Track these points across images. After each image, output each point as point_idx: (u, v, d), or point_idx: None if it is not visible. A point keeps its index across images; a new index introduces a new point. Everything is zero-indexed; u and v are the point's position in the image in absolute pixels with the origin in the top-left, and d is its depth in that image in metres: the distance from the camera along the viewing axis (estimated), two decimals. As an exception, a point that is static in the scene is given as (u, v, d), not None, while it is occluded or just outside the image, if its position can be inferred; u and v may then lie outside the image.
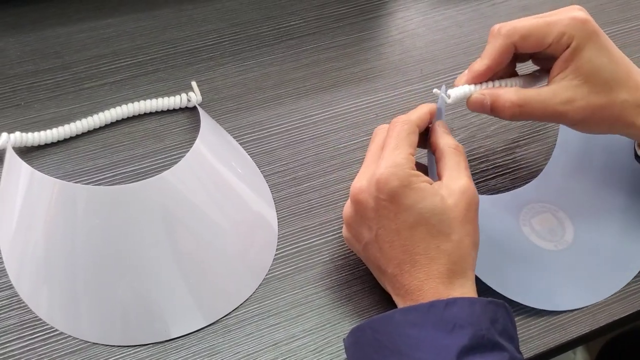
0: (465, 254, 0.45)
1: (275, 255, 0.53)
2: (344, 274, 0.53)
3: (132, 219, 0.49)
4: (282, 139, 0.60)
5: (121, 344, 0.48)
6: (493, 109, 0.50)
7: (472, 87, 0.51)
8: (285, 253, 0.54)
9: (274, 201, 0.56)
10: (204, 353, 0.48)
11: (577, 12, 0.49)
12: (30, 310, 0.49)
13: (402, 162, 0.46)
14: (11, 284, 0.50)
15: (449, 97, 0.50)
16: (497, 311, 0.44)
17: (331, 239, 0.54)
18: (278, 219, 0.55)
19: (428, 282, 0.45)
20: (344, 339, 0.47)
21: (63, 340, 0.48)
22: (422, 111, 0.50)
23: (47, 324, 0.48)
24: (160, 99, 0.59)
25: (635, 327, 0.87)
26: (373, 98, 0.64)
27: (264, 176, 0.57)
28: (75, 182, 0.54)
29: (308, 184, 0.58)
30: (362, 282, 0.52)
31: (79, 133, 0.58)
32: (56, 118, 0.59)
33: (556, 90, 0.49)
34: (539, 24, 0.49)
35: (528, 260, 0.54)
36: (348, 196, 0.57)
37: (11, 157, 0.53)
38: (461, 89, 0.51)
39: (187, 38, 0.66)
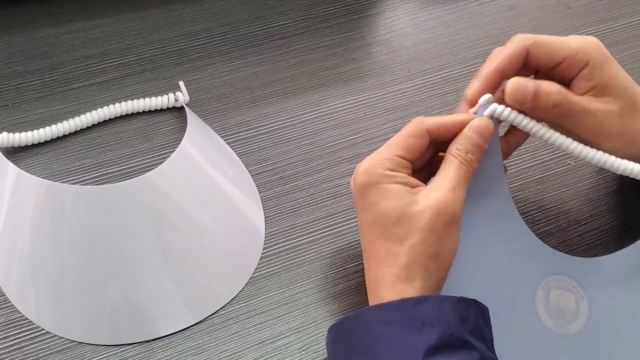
0: (414, 261, 0.43)
1: (262, 254, 0.53)
2: (330, 273, 0.53)
3: (119, 219, 0.49)
4: (270, 139, 0.60)
5: (108, 343, 0.48)
6: (536, 96, 0.46)
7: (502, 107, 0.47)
8: (272, 252, 0.54)
9: (262, 200, 0.56)
10: (190, 352, 0.48)
11: (589, 38, 0.48)
12: (17, 309, 0.49)
13: (382, 161, 0.45)
14: (-2, 284, 0.50)
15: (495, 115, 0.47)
16: (468, 310, 0.43)
17: (318, 237, 0.55)
18: (265, 217, 0.55)
19: (377, 282, 0.44)
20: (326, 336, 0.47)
21: (49, 340, 0.48)
22: (449, 119, 0.47)
23: (34, 324, 0.49)
24: (147, 99, 0.60)
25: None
26: (361, 97, 0.64)
27: (252, 175, 0.57)
28: (62, 182, 0.55)
29: (295, 183, 0.58)
30: (348, 280, 0.53)
31: (66, 133, 0.58)
32: (44, 118, 0.59)
33: (591, 99, 0.47)
34: (555, 38, 0.48)
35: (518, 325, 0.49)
36: (335, 195, 0.57)
37: (-2, 157, 0.53)
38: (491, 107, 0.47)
39: (176, 38, 0.67)
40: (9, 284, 0.50)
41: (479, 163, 0.46)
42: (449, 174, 0.45)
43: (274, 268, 0.53)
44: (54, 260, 0.49)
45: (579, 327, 0.49)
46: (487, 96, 0.47)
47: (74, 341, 0.48)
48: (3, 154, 0.53)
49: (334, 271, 0.53)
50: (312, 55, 0.67)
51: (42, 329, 0.48)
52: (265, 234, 0.54)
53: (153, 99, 0.60)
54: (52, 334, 0.48)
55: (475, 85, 0.48)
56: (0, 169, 0.52)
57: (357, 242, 0.55)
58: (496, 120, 0.47)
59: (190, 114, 0.58)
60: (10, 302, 0.49)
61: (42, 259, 0.49)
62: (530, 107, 0.47)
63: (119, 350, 0.48)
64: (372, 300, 0.44)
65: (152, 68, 0.64)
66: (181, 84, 0.61)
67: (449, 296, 0.43)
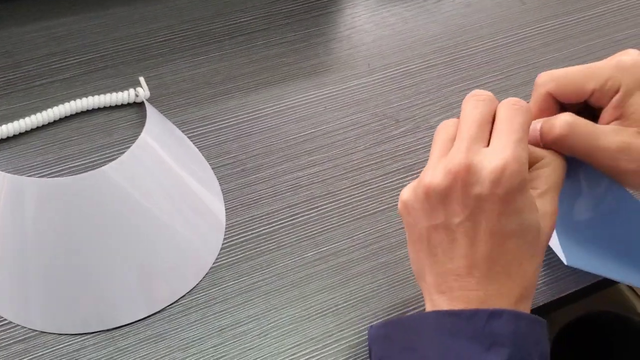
0: (535, 282, 0.41)
1: (223, 244, 0.54)
2: (290, 261, 0.54)
3: (79, 210, 0.50)
4: (232, 132, 0.61)
5: (68, 332, 0.49)
6: (541, 134, 0.43)
7: None
8: (233, 242, 0.55)
9: (223, 192, 0.57)
10: (150, 339, 0.49)
11: (624, 57, 0.44)
12: (-22, 301, 0.50)
13: (525, 161, 0.40)
14: (-41, 277, 0.51)
15: None
16: (542, 331, 0.40)
17: (278, 227, 0.56)
18: (226, 209, 0.56)
19: (496, 298, 0.40)
20: (370, 326, 0.45)
21: (11, 329, 0.49)
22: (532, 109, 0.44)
23: (-5, 315, 0.49)
24: (108, 95, 0.60)
25: (590, 313, 0.89)
26: (322, 92, 0.66)
27: (213, 168, 0.58)
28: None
29: (256, 175, 0.59)
30: (307, 268, 0.54)
31: (28, 129, 0.58)
32: (7, 115, 0.60)
33: (609, 130, 0.43)
34: (579, 70, 0.44)
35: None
36: (295, 186, 0.58)
37: (-41, 152, 0.53)
38: None
39: (138, 35, 0.67)
40: (-29, 276, 0.50)
41: None
42: (554, 180, 0.42)
43: (235, 258, 0.54)
44: (15, 250, 0.49)
45: None
46: None
47: (36, 330, 0.49)
48: (-36, 149, 0.54)
49: (293, 260, 0.54)
50: (273, 51, 0.68)
51: (4, 319, 0.49)
52: (226, 224, 0.56)
53: (114, 94, 0.60)
54: (14, 323, 0.49)
55: None
56: (-39, 163, 0.52)
57: (316, 232, 0.56)
58: None
59: (150, 109, 0.59)
60: (-29, 294, 0.50)
61: (3, 250, 0.50)
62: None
63: (79, 339, 0.49)
64: (457, 305, 0.40)
65: (114, 65, 0.65)
66: (141, 79, 0.62)
67: (526, 313, 0.40)
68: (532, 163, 0.42)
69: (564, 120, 0.42)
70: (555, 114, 0.44)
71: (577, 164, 0.44)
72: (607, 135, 0.43)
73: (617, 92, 0.43)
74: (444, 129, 0.43)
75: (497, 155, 0.39)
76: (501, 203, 0.39)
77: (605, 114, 0.44)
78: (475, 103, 0.42)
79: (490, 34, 0.72)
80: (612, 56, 0.45)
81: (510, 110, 0.41)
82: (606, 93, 0.44)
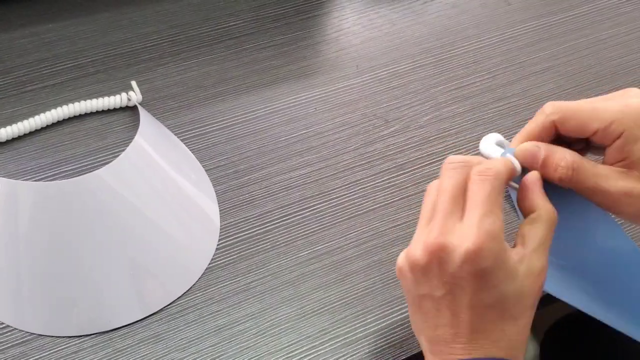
0: (524, 341, 0.42)
1: (218, 245, 0.55)
2: (284, 261, 0.54)
3: (74, 213, 0.50)
4: (224, 135, 0.62)
5: (66, 335, 0.49)
6: (544, 164, 0.44)
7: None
8: (228, 243, 0.55)
9: (216, 194, 0.58)
10: (148, 340, 0.49)
11: (632, 99, 0.44)
12: (-25, 306, 0.50)
13: (498, 233, 0.40)
14: (-45, 282, 0.51)
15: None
16: None
17: (272, 228, 0.56)
18: (220, 210, 0.57)
19: None
20: None
21: (9, 333, 0.49)
22: (508, 165, 0.44)
23: (-8, 319, 0.49)
24: (100, 99, 0.61)
25: (578, 310, 0.90)
26: (311, 93, 0.66)
27: (206, 170, 0.59)
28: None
29: (249, 177, 0.59)
30: (302, 267, 0.54)
31: (21, 134, 0.59)
32: (-2, 121, 0.60)
33: (613, 174, 0.44)
34: (586, 108, 0.45)
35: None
36: (288, 187, 0.59)
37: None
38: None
39: (127, 40, 0.68)
40: (-33, 281, 0.51)
41: None
42: (540, 236, 0.42)
43: (230, 258, 0.54)
44: (11, 254, 0.49)
45: None
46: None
47: (33, 333, 0.49)
48: (-43, 154, 0.54)
49: (288, 259, 0.55)
50: (263, 54, 0.69)
51: (1, 322, 0.49)
52: (221, 225, 0.56)
53: (106, 98, 0.61)
54: (11, 327, 0.49)
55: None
56: (-45, 169, 0.52)
57: (310, 231, 0.56)
58: None
59: (143, 112, 0.59)
60: (-32, 299, 0.50)
61: (-1, 256, 0.50)
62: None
63: (77, 342, 0.49)
64: None
65: (105, 69, 0.65)
66: (133, 83, 0.62)
67: None
68: (526, 212, 0.44)
69: (570, 162, 0.44)
70: (552, 140, 0.46)
71: (566, 193, 0.45)
72: (611, 178, 0.44)
73: (619, 136, 0.44)
74: (429, 193, 0.44)
75: (468, 237, 0.40)
76: (476, 281, 0.40)
77: (610, 156, 0.44)
78: (449, 173, 0.43)
79: (477, 35, 0.73)
80: (619, 95, 0.46)
81: (477, 184, 0.42)
82: (609, 135, 0.44)
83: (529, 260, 0.41)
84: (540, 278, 0.42)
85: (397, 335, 0.52)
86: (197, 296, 0.52)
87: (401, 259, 0.44)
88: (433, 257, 0.41)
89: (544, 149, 0.44)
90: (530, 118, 0.47)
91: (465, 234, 0.40)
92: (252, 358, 0.50)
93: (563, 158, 0.44)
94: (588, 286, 0.47)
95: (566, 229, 0.45)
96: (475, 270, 0.40)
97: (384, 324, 0.52)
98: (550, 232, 0.43)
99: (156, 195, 0.54)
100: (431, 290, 0.42)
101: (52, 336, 0.49)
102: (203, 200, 0.57)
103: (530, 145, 0.45)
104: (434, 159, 0.62)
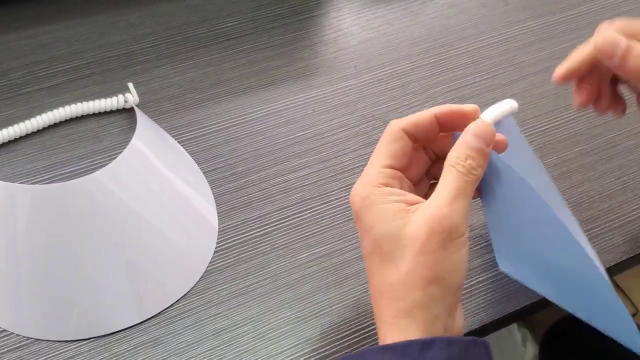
0: (412, 290, 0.39)
1: (216, 247, 0.54)
2: (283, 263, 0.54)
3: (71, 217, 0.50)
4: (221, 136, 0.61)
5: (63, 339, 0.48)
6: (624, 56, 0.44)
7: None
8: (226, 245, 0.55)
9: (214, 196, 0.57)
10: (146, 344, 0.49)
11: None
12: (-29, 310, 0.49)
13: (372, 177, 0.42)
14: (-49, 287, 0.50)
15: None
16: (480, 352, 0.39)
17: (271, 230, 0.56)
18: (218, 213, 0.56)
19: (379, 318, 0.40)
20: None
21: (5, 338, 0.48)
22: (421, 115, 0.44)
23: (-11, 324, 0.49)
24: (97, 101, 0.60)
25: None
26: (310, 94, 0.66)
27: (204, 172, 0.58)
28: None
29: (247, 179, 0.59)
30: (301, 270, 0.54)
31: (17, 137, 0.58)
32: (-6, 124, 0.60)
33: None
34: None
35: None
36: (286, 189, 0.59)
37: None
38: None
39: (124, 42, 0.67)
40: (-38, 286, 0.50)
41: (484, 169, 0.42)
42: (446, 185, 0.41)
43: (228, 261, 0.54)
44: (8, 258, 0.49)
45: None
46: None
47: (30, 338, 0.48)
48: (-47, 157, 0.53)
49: (286, 262, 0.54)
50: (260, 55, 0.69)
51: (-3, 328, 0.49)
52: (219, 228, 0.55)
53: (102, 100, 0.60)
54: (7, 331, 0.48)
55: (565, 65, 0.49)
56: (-50, 172, 0.52)
57: (309, 233, 0.56)
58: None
59: (140, 114, 0.59)
60: (-36, 303, 0.50)
61: (-5, 260, 0.49)
62: (616, 66, 0.45)
63: (74, 346, 0.48)
64: (380, 338, 0.41)
65: (101, 71, 0.65)
66: (130, 85, 0.61)
67: (459, 337, 0.39)
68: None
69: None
70: (590, 67, 0.47)
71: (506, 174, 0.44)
72: None
73: None
74: None
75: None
76: (357, 225, 0.42)
77: None
78: None
79: (475, 35, 0.73)
80: None
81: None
82: None
83: (424, 207, 0.41)
84: (431, 223, 0.40)
85: (397, 338, 0.51)
86: (196, 299, 0.52)
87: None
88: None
89: (624, 41, 0.44)
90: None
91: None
92: (251, 362, 0.49)
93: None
94: (541, 269, 0.46)
95: (508, 210, 0.44)
96: (354, 213, 0.42)
97: (384, 326, 0.52)
98: (456, 182, 0.41)
99: (154, 198, 0.53)
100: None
101: (49, 340, 0.48)
102: (201, 202, 0.56)
103: (611, 34, 0.45)
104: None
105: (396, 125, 0.44)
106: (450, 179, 0.41)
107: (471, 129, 0.42)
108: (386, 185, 0.42)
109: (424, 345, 0.38)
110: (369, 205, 0.41)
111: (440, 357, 0.37)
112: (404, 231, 0.40)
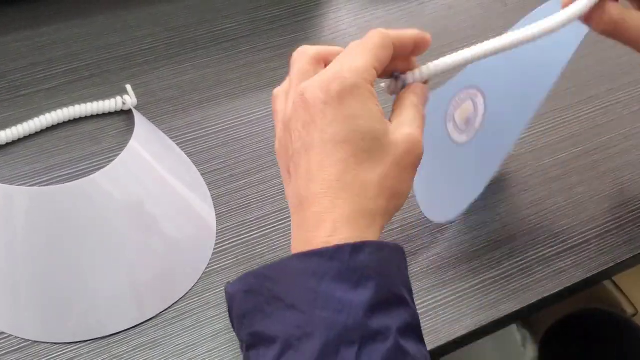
0: (380, 196, 0.39)
1: (215, 249, 0.54)
2: (282, 265, 0.54)
3: (69, 219, 0.50)
4: (219, 138, 0.61)
5: (62, 341, 0.48)
6: (588, 17, 0.46)
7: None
8: (224, 247, 0.55)
9: (212, 198, 0.57)
10: (145, 346, 0.49)
11: None
12: (-31, 313, 0.49)
13: (367, 70, 0.40)
14: (-51, 289, 0.50)
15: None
16: (402, 258, 0.39)
17: (269, 231, 0.56)
18: (217, 214, 0.56)
19: (329, 213, 0.38)
20: (227, 283, 0.40)
21: (4, 340, 0.48)
22: (406, 33, 0.43)
23: (-13, 326, 0.49)
24: (95, 103, 0.60)
25: (576, 311, 0.90)
26: (308, 96, 0.66)
27: (202, 174, 0.58)
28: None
29: (246, 180, 0.59)
30: (300, 271, 0.54)
31: (15, 139, 0.58)
32: (-8, 126, 0.60)
33: None
34: None
35: (449, 164, 0.50)
36: (284, 190, 0.58)
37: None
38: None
39: (122, 43, 0.67)
40: (-39, 288, 0.50)
41: None
42: (417, 116, 0.41)
43: (227, 262, 0.54)
44: (7, 260, 0.49)
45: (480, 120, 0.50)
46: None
47: (29, 340, 0.48)
48: (-49, 160, 0.53)
49: (285, 263, 0.54)
50: (259, 56, 0.69)
51: (-4, 330, 0.49)
52: (217, 230, 0.55)
53: (100, 102, 0.60)
54: (6, 333, 0.48)
55: None
56: (-51, 174, 0.52)
57: (307, 235, 0.56)
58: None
59: (138, 116, 0.59)
60: (-38, 306, 0.50)
61: (-7, 263, 0.49)
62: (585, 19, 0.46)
63: (73, 348, 0.48)
64: (312, 241, 0.38)
65: (100, 73, 0.65)
66: (128, 87, 0.61)
67: (387, 242, 0.39)
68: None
69: (609, 14, 0.46)
70: None
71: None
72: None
73: None
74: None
75: (330, 67, 0.40)
76: (331, 107, 0.39)
77: None
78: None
79: (474, 35, 0.73)
80: None
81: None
82: None
83: (396, 122, 0.41)
84: (408, 141, 0.40)
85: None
86: (194, 301, 0.52)
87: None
88: (299, 100, 0.40)
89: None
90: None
91: (325, 70, 0.40)
92: (250, 363, 0.49)
93: (612, 8, 0.46)
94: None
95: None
96: (336, 92, 0.38)
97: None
98: (417, 114, 0.42)
99: (152, 200, 0.53)
100: (292, 143, 0.40)
101: (48, 342, 0.48)
102: (199, 204, 0.56)
103: None
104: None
105: (389, 37, 0.42)
106: (419, 112, 0.42)
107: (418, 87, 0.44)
108: (371, 83, 0.40)
109: (354, 248, 0.36)
110: (357, 96, 0.39)
111: (372, 260, 0.36)
112: (387, 137, 0.39)
